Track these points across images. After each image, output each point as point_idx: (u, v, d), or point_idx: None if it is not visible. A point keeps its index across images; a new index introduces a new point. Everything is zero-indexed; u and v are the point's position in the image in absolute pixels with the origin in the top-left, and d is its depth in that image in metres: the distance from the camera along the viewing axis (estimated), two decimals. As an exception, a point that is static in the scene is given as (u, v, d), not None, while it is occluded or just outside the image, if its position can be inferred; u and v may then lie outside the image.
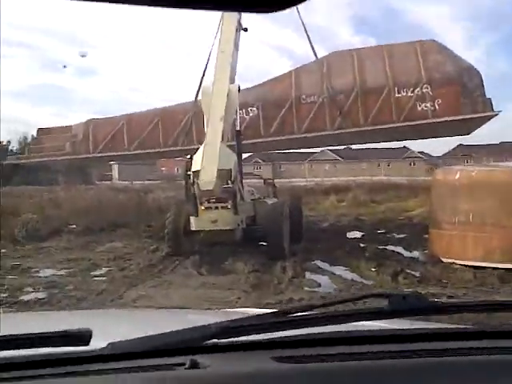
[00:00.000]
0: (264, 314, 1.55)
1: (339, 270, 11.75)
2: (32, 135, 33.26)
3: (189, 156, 15.40)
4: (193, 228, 13.08)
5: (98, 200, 23.21)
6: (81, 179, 41.12)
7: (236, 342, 1.36)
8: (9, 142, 44.24)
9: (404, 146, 73.96)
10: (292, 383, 1.21)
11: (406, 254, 13.43)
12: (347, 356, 1.33)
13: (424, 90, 16.65)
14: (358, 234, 17.57)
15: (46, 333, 1.26)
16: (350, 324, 1.44)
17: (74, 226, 17.86)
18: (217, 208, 12.89)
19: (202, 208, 12.90)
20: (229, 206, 12.85)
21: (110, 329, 1.91)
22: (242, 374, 1.24)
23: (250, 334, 1.36)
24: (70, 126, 20.58)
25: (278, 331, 1.37)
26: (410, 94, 16.75)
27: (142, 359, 1.29)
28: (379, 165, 77.78)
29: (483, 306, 1.73)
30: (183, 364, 1.27)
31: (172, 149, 18.59)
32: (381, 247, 14.22)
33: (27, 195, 25.32)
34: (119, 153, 19.67)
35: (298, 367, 1.28)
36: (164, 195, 27.65)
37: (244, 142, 14.48)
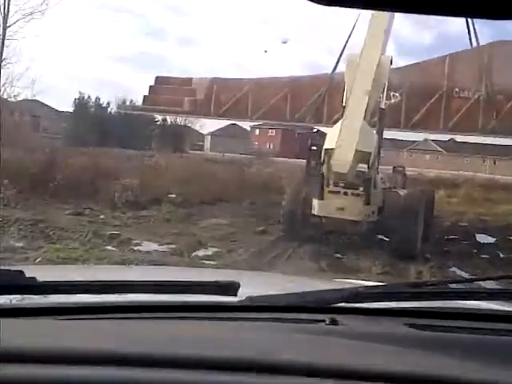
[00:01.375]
0: (397, 284, 1.76)
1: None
2: (131, 99, 32.40)
3: (315, 129, 13.79)
4: (315, 212, 11.48)
5: (196, 170, 22.05)
6: (174, 146, 40.47)
7: (371, 307, 1.39)
8: (108, 103, 44.09)
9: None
10: (423, 349, 1.16)
11: None
12: (477, 330, 1.33)
13: None
14: (490, 239, 15.23)
15: (201, 282, 1.45)
16: (478, 302, 1.48)
17: (174, 196, 16.57)
18: (346, 194, 11.18)
19: (328, 191, 11.17)
20: (360, 194, 11.05)
21: (251, 286, 1.84)
22: (379, 335, 1.24)
23: (384, 301, 1.40)
24: (190, 79, 19.10)
25: (410, 301, 1.41)
26: None
27: (283, 313, 1.35)
28: (484, 161, 72.94)
29: None
30: (323, 321, 1.30)
31: (297, 124, 16.77)
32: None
33: (124, 158, 24.40)
34: (241, 119, 17.99)
35: (429, 335, 1.29)
36: (266, 170, 26.13)
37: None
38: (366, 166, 11.16)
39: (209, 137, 66.59)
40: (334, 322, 1.31)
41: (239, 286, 1.34)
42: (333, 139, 10.77)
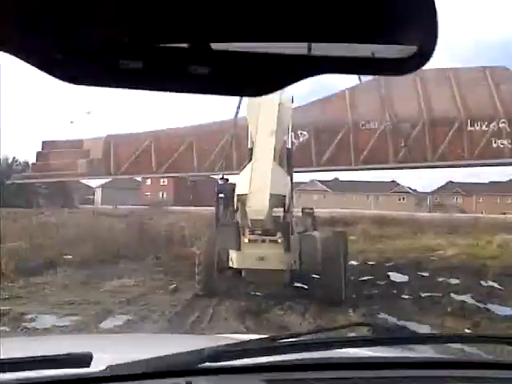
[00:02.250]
0: (255, 340, 1.64)
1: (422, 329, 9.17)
2: (13, 157, 30.00)
3: (220, 176, 13.02)
4: (233, 265, 10.58)
5: (91, 226, 20.48)
6: (62, 202, 38.06)
7: (229, 365, 1.39)
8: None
9: (393, 180, 72.87)
10: None
11: (492, 307, 10.86)
12: (332, 380, 1.40)
13: (501, 125, 14.36)
14: (402, 278, 15.07)
15: (49, 355, 1.30)
16: (336, 351, 1.49)
17: (70, 257, 15.00)
18: (264, 241, 10.40)
19: (246, 241, 10.36)
20: (279, 241, 10.35)
21: (109, 352, 1.88)
22: None
23: (243, 358, 1.39)
24: (81, 141, 17.67)
25: (268, 356, 1.41)
26: (484, 128, 14.44)
27: (140, 380, 1.34)
28: (368, 198, 76.02)
29: (460, 338, 2.03)
30: None
31: (208, 173, 15.82)
32: (449, 297, 11.68)
33: (10, 218, 22.18)
34: (147, 175, 16.79)
35: None
36: (164, 222, 24.88)
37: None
38: (281, 209, 10.58)
39: (99, 190, 64.29)
40: None
41: (91, 357, 1.29)
42: (245, 184, 10.09)
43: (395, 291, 12.58)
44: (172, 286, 12.02)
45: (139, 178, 63.79)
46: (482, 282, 14.00)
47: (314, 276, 12.35)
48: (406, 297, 11.85)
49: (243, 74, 0.71)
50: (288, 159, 11.55)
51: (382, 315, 10.01)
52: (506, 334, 7.38)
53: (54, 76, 0.69)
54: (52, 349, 1.81)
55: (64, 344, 2.37)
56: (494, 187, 69.41)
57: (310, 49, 0.69)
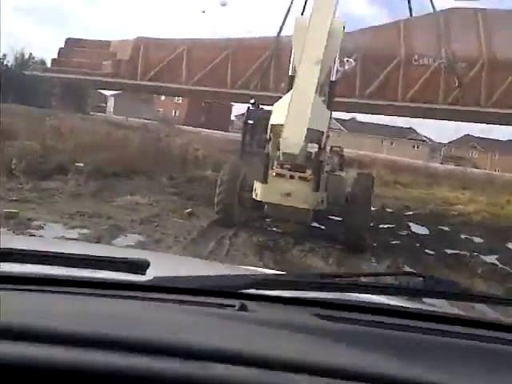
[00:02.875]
0: (311, 274, 1.81)
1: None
2: (30, 53, 28.76)
3: (252, 100, 12.14)
4: (257, 197, 9.93)
5: (103, 135, 19.76)
6: (75, 106, 37.16)
7: (280, 295, 1.40)
8: (4, 55, 39.29)
9: (410, 127, 71.36)
10: (331, 340, 1.19)
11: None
12: (384, 325, 1.36)
13: None
14: (424, 230, 14.45)
15: (110, 257, 1.34)
16: (389, 296, 1.55)
17: (82, 165, 14.32)
18: (292, 177, 9.70)
19: (274, 174, 9.67)
20: (308, 178, 9.64)
21: (165, 266, 1.91)
22: (287, 324, 1.24)
23: (294, 290, 1.40)
24: (108, 42, 16.51)
25: (321, 291, 1.42)
26: None
27: (191, 295, 1.32)
28: (382, 142, 74.87)
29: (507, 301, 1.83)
30: (233, 306, 1.28)
31: (241, 91, 14.62)
32: (477, 258, 11.05)
33: (20, 116, 21.32)
34: (174, 85, 15.49)
35: (338, 327, 1.31)
36: (178, 141, 24.16)
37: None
38: (316, 146, 9.82)
39: (112, 98, 63.06)
40: (243, 308, 1.29)
41: (148, 265, 1.31)
42: (281, 114, 9.24)
43: (418, 244, 11.98)
44: (187, 211, 11.40)
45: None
46: (508, 245, 13.38)
47: (334, 218, 11.84)
48: (431, 252, 11.22)
49: None
50: (330, 93, 10.58)
51: (407, 269, 9.41)
52: None
53: None
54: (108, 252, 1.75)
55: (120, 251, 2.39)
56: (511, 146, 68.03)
57: None
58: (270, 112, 10.56)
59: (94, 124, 25.88)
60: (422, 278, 1.53)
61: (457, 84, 13.37)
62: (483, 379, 1.18)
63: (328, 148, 12.08)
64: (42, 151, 14.01)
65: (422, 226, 15.10)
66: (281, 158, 9.58)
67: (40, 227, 8.59)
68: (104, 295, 1.27)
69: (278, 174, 9.73)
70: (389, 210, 17.53)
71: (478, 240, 13.62)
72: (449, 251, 11.43)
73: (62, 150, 15.30)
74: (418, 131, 74.20)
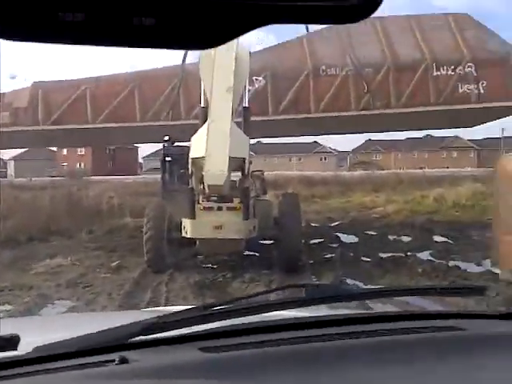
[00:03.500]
0: (187, 309, 1.58)
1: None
2: None
3: (167, 137, 11.85)
4: (187, 234, 9.59)
5: (10, 201, 18.64)
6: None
7: (163, 336, 1.37)
8: None
9: (315, 141, 73.09)
10: (218, 371, 1.22)
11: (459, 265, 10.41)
12: (268, 343, 1.37)
13: (467, 70, 13.85)
14: (353, 238, 14.57)
15: None
16: (270, 314, 1.52)
17: (-9, 236, 13.37)
18: (220, 209, 9.43)
19: (201, 208, 9.38)
20: (237, 208, 9.43)
21: (38, 334, 1.80)
22: (172, 366, 1.26)
23: (176, 329, 1.38)
24: (1, 94, 15.57)
25: (202, 324, 1.40)
26: (450, 72, 13.85)
27: (70, 359, 1.28)
28: (290, 159, 76.23)
29: (386, 292, 1.97)
30: (113, 361, 1.26)
31: (152, 124, 14.09)
32: (413, 256, 11.19)
33: None
34: (80, 126, 14.64)
35: (223, 356, 1.31)
36: (86, 192, 23.29)
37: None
38: (240, 174, 9.70)
39: (11, 162, 60.72)
40: (123, 361, 1.25)
41: (19, 339, 1.23)
42: (200, 146, 9.08)
43: (352, 254, 12.00)
44: (114, 264, 10.84)
45: (54, 149, 60.83)
46: (435, 238, 13.71)
47: (264, 243, 11.72)
48: (367, 259, 11.25)
49: (190, 25, 0.69)
50: (246, 118, 10.49)
51: (351, 281, 9.35)
52: (430, 285, 7.12)
53: None
54: None
55: None
56: (411, 143, 71.16)
57: None
58: (186, 147, 10.35)
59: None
60: (302, 288, 1.57)
61: (366, 89, 13.66)
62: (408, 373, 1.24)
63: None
64: None
65: (350, 234, 15.24)
66: (206, 191, 9.35)
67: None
68: None
69: (205, 208, 9.48)
70: (314, 224, 17.58)
71: (406, 239, 13.88)
72: (383, 255, 11.53)
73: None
74: (322, 144, 76.10)
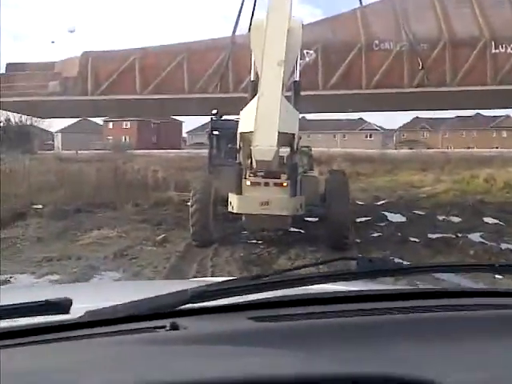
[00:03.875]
0: (237, 279, 1.62)
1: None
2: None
3: (215, 111, 11.72)
4: (233, 210, 9.47)
5: (58, 172, 18.98)
6: (22, 147, 35.96)
7: (212, 305, 1.37)
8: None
9: (360, 118, 71.90)
10: (267, 341, 1.21)
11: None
12: (318, 315, 1.37)
13: None
14: (401, 218, 14.26)
15: (28, 303, 1.26)
16: (321, 286, 1.48)
17: (41, 207, 13.59)
18: (267, 184, 9.28)
19: (248, 183, 9.25)
20: (285, 184, 9.26)
21: (90, 299, 1.90)
22: (221, 334, 1.25)
23: (226, 297, 1.37)
24: (52, 63, 15.71)
25: (252, 294, 1.39)
26: (510, 50, 13.29)
27: (121, 324, 1.28)
28: (335, 136, 75.28)
29: (441, 268, 2.02)
30: (164, 327, 1.27)
31: (200, 96, 13.98)
32: (465, 238, 10.82)
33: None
34: (129, 96, 14.68)
35: (272, 326, 1.31)
36: (132, 165, 23.51)
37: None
38: (289, 150, 9.50)
39: (59, 135, 61.82)
40: (174, 327, 1.26)
41: (71, 303, 1.24)
42: (249, 121, 8.86)
43: (399, 233, 11.70)
44: (160, 237, 10.84)
45: (100, 122, 61.66)
46: (486, 220, 13.26)
47: (310, 220, 11.57)
48: (416, 239, 10.95)
49: None
50: (296, 93, 10.27)
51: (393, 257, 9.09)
52: (489, 262, 7.22)
53: None
54: (29, 297, 1.59)
55: (42, 293, 2.14)
56: (460, 122, 69.32)
57: None
58: (234, 121, 10.21)
59: (44, 162, 25.01)
60: (355, 261, 1.55)
61: (421, 66, 13.17)
62: (459, 349, 1.22)
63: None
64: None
65: (397, 213, 14.93)
66: (254, 166, 9.18)
67: (7, 281, 7.93)
68: (32, 342, 1.22)
69: (252, 183, 9.29)
70: (360, 202, 17.29)
71: (456, 220, 13.48)
72: (433, 236, 11.21)
73: (17, 194, 14.51)
74: (367, 121, 74.83)
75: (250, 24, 11.20)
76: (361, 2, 13.30)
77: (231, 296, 1.38)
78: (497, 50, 13.38)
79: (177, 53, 14.30)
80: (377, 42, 13.43)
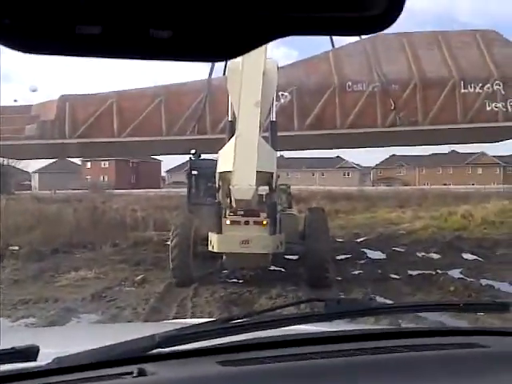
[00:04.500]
0: (206, 322, 1.59)
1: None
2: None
3: (193, 151, 11.82)
4: (214, 249, 9.51)
5: (35, 213, 18.75)
6: (-3, 188, 35.52)
7: (181, 349, 1.37)
8: None
9: (337, 156, 72.71)
10: None
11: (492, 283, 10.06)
12: (286, 357, 1.37)
13: (495, 88, 13.68)
14: (380, 255, 14.32)
15: None
16: (289, 328, 1.50)
17: (17, 248, 13.38)
18: (247, 223, 9.31)
19: (227, 222, 9.28)
20: (264, 222, 9.30)
21: (57, 344, 1.84)
22: (189, 379, 1.27)
23: (195, 342, 1.37)
24: (29, 106, 15.72)
25: (221, 337, 1.39)
26: (478, 90, 13.72)
27: (88, 371, 1.28)
28: (313, 174, 75.85)
29: (408, 308, 2.03)
30: (131, 373, 1.25)
31: (178, 138, 14.12)
32: (444, 274, 10.85)
33: None
34: (107, 139, 14.74)
35: (241, 370, 1.31)
36: (110, 205, 23.36)
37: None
38: (267, 188, 9.61)
39: (36, 175, 61.40)
40: (141, 373, 1.25)
41: (38, 350, 1.23)
42: (228, 161, 9.08)
43: (380, 271, 11.74)
44: (139, 277, 10.71)
45: (78, 162, 61.39)
46: (465, 256, 13.37)
47: (290, 258, 11.58)
48: (396, 276, 10.98)
49: (207, 37, 0.68)
50: (273, 132, 10.51)
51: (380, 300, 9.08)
52: (455, 301, 7.10)
53: (1, 44, 0.64)
54: None
55: (7, 339, 2.10)
56: (435, 159, 70.39)
57: (275, 8, 0.64)
58: (213, 160, 10.30)
59: (21, 202, 24.74)
60: (323, 302, 1.54)
61: (393, 106, 13.52)
62: None
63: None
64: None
65: (377, 250, 14.98)
66: (234, 205, 9.32)
67: (-18, 327, 7.70)
68: None
69: (232, 222, 9.39)
70: (340, 239, 17.33)
71: (435, 256, 13.56)
72: (413, 272, 11.24)
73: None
74: (345, 159, 75.64)
75: (225, 66, 11.40)
76: (333, 45, 13.72)
77: (200, 340, 1.38)
78: (465, 90, 13.82)
79: (154, 95, 14.50)
80: (349, 83, 13.81)
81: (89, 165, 61.46)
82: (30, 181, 60.89)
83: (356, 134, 13.87)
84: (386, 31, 0.68)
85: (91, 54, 0.69)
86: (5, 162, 41.35)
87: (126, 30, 0.65)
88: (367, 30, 0.69)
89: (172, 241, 10.03)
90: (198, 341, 1.37)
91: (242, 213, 9.38)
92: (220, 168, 9.29)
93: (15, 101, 21.01)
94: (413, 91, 13.66)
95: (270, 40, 0.69)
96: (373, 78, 13.69)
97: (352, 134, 13.98)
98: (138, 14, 0.64)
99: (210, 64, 13.76)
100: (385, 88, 13.59)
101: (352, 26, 0.68)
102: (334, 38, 13.75)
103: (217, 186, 9.52)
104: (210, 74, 13.49)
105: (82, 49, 0.68)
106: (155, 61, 0.72)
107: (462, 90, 13.79)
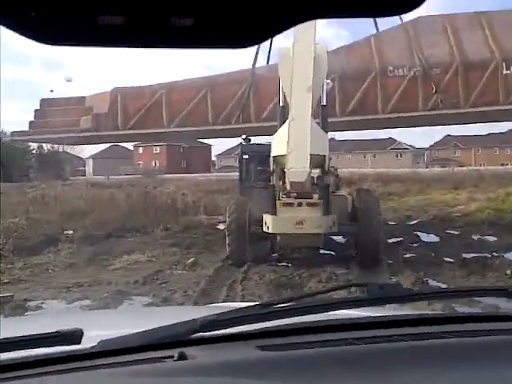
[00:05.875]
0: (248, 307, 1.61)
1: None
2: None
3: (244, 136, 11.99)
4: (269, 230, 9.73)
5: (89, 198, 19.21)
6: (54, 174, 36.62)
7: (222, 334, 1.37)
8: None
9: (390, 137, 71.45)
10: (276, 370, 1.22)
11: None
12: (327, 342, 1.36)
13: None
14: (434, 238, 13.98)
15: (39, 334, 1.27)
16: (330, 313, 1.49)
17: (72, 232, 13.73)
18: (300, 205, 9.61)
19: (281, 204, 9.61)
20: (317, 203, 9.47)
21: (100, 328, 1.89)
22: (229, 363, 1.26)
23: (235, 326, 1.37)
24: (83, 98, 16.23)
25: (261, 322, 1.39)
26: None
27: (131, 354, 1.30)
28: (365, 156, 74.92)
29: (451, 293, 2.06)
30: (172, 356, 1.28)
31: (223, 127, 14.42)
32: (501, 257, 10.49)
33: (2, 192, 20.75)
34: (157, 130, 15.22)
35: (281, 355, 1.31)
36: (161, 189, 23.68)
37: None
38: (319, 170, 9.70)
39: (90, 161, 63.06)
40: (182, 357, 1.27)
41: (82, 334, 1.25)
42: (282, 145, 9.29)
43: (433, 254, 11.43)
44: (190, 261, 10.82)
45: (131, 147, 62.60)
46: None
47: (338, 241, 11.59)
48: (450, 259, 10.69)
49: (229, 24, 0.68)
50: (324, 116, 10.69)
51: (433, 284, 8.88)
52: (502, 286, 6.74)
53: (27, 37, 0.66)
54: (41, 328, 1.55)
55: (54, 322, 2.21)
56: (493, 139, 68.28)
57: None
58: (263, 145, 10.50)
59: (76, 188, 25.38)
60: (365, 287, 1.54)
61: (434, 90, 13.28)
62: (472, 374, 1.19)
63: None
64: (28, 225, 13.41)
65: (430, 233, 14.63)
66: (288, 188, 9.52)
67: (39, 307, 7.98)
68: (45, 372, 1.23)
69: (286, 204, 9.64)
70: (392, 222, 17.02)
71: (491, 239, 13.14)
72: (468, 256, 10.93)
73: (49, 220, 14.72)
74: (398, 140, 74.33)
75: (269, 55, 11.58)
76: (377, 29, 13.54)
77: (241, 324, 1.39)
78: (508, 71, 13.39)
79: (201, 86, 14.73)
80: (391, 68, 13.62)
81: (141, 150, 62.62)
82: (85, 166, 62.50)
83: (398, 118, 13.71)
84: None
85: (114, 45, 0.70)
86: (60, 149, 42.57)
87: (148, 20, 0.66)
88: (395, 10, 0.67)
89: (228, 225, 10.29)
90: (238, 325, 1.38)
91: (295, 195, 9.61)
92: (274, 152, 9.54)
93: (51, 91, 21.58)
94: (454, 74, 13.38)
95: (295, 24, 0.69)
96: (414, 62, 13.51)
97: (394, 119, 13.82)
98: (159, 2, 0.65)
99: (253, 54, 13.84)
100: (426, 72, 13.39)
101: (378, 7, 0.67)
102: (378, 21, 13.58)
103: (271, 169, 9.78)
104: (254, 63, 13.61)
105: (104, 39, 0.69)
106: (178, 49, 0.73)
107: (505, 71, 13.39)
